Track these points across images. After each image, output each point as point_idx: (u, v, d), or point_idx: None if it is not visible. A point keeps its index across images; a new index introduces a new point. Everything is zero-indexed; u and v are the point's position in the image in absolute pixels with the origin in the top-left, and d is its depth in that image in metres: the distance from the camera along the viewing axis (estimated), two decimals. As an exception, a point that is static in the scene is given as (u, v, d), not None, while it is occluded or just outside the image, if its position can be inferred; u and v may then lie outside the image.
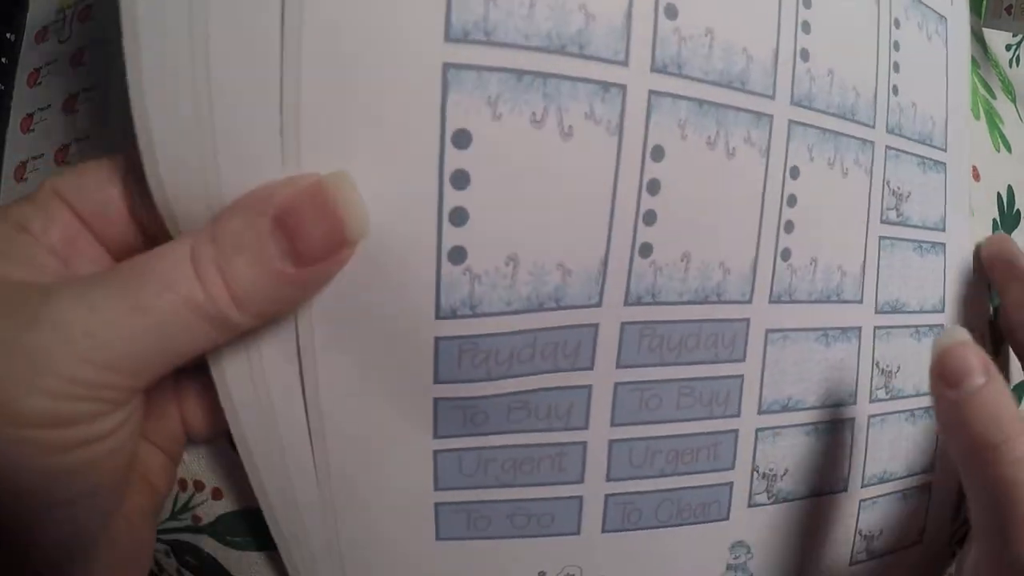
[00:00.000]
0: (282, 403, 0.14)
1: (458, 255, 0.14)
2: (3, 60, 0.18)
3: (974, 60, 0.23)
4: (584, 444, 0.17)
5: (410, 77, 0.13)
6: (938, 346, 0.15)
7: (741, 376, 0.18)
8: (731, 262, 0.16)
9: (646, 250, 0.15)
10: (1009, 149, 0.24)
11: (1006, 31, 0.25)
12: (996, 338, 0.23)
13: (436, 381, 0.15)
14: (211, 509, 0.17)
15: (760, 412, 0.18)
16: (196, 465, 0.17)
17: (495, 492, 0.16)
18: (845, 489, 0.20)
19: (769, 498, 0.19)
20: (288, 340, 0.14)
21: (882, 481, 0.20)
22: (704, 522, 0.18)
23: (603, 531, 0.18)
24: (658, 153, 0.15)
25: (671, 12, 0.14)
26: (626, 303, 0.16)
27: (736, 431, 0.18)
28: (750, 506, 0.19)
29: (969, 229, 0.21)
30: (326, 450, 0.15)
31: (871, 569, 0.21)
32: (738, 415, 0.18)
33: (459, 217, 0.13)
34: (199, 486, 0.17)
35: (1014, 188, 0.24)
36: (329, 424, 0.14)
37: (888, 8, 0.18)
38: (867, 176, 0.18)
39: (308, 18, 0.12)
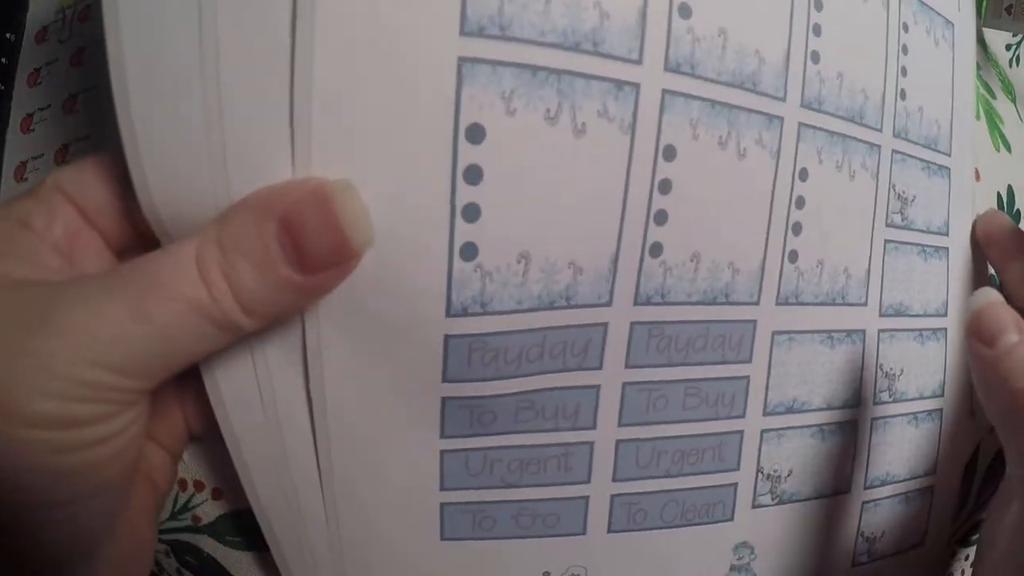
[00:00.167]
0: (286, 403, 0.14)
1: (470, 251, 0.14)
2: (3, 60, 0.18)
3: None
4: (591, 444, 0.17)
5: (424, 70, 0.13)
6: (973, 305, 0.16)
7: (747, 377, 0.18)
8: (740, 263, 0.16)
9: (656, 250, 0.15)
10: (1009, 149, 0.24)
11: (1006, 31, 0.26)
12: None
13: (444, 380, 0.15)
14: (211, 509, 0.17)
15: (765, 414, 0.18)
16: (196, 465, 0.16)
17: (501, 492, 0.16)
18: (848, 491, 0.20)
19: (773, 499, 0.19)
20: (294, 339, 0.14)
21: (884, 483, 0.21)
22: (708, 523, 0.18)
23: (609, 531, 0.17)
24: (670, 152, 0.15)
25: (685, 12, 0.14)
26: (636, 303, 0.15)
27: (741, 432, 0.18)
28: (754, 507, 0.19)
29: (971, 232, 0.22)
30: (330, 451, 0.14)
31: (873, 571, 0.21)
32: (743, 416, 0.18)
33: (471, 213, 0.13)
34: (199, 486, 0.17)
35: (1014, 188, 0.24)
36: (334, 425, 0.14)
37: (897, 12, 0.18)
38: (874, 180, 0.19)
39: (320, 9, 0.12)
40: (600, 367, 0.16)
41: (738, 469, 0.18)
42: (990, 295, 0.16)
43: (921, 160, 0.20)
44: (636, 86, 0.14)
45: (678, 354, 0.16)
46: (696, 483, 0.18)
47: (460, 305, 0.14)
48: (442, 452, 0.15)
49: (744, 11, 0.15)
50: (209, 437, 0.15)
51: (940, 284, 0.21)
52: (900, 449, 0.21)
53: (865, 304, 0.19)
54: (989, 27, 0.25)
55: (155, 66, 0.11)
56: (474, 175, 0.13)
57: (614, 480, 0.17)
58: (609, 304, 0.15)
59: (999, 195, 0.23)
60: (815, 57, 0.17)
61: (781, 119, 0.16)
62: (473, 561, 0.17)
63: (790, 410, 0.19)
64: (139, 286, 0.11)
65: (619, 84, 0.14)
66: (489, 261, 0.14)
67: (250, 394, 0.14)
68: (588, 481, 0.17)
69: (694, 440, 0.18)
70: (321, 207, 0.12)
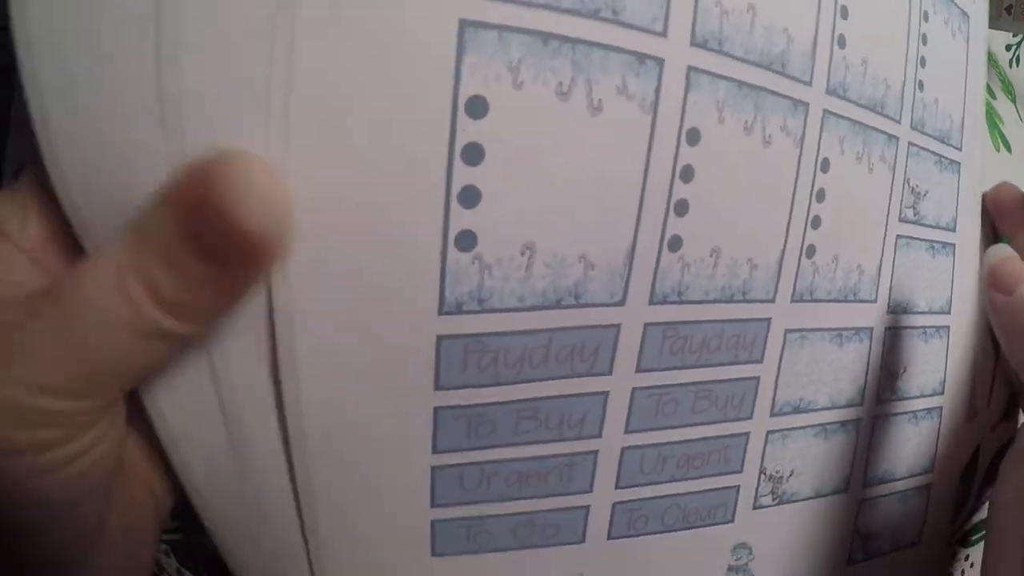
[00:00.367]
0: (252, 418, 0.12)
1: (467, 241, 0.12)
2: (3, 60, 0.15)
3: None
4: (595, 453, 0.15)
5: (421, 34, 0.11)
6: (990, 259, 0.18)
7: (757, 378, 0.17)
8: (759, 259, 0.15)
9: (675, 243, 0.14)
10: (1009, 149, 0.24)
11: (1006, 31, 0.26)
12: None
13: (437, 387, 0.13)
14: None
15: (772, 414, 0.18)
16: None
17: (498, 506, 0.15)
18: (847, 489, 0.20)
19: (774, 500, 0.19)
20: (261, 342, 0.12)
21: (882, 481, 0.20)
22: (709, 525, 0.18)
23: (608, 538, 0.17)
24: (694, 136, 0.13)
25: (713, -20, 0.13)
26: (651, 302, 0.14)
27: (748, 434, 0.17)
28: (755, 508, 0.18)
29: (977, 230, 0.21)
30: (307, 467, 0.13)
31: (870, 569, 0.21)
32: (751, 417, 0.17)
33: (470, 197, 0.12)
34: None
35: (1014, 188, 0.24)
36: (311, 439, 0.13)
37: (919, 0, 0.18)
38: (890, 172, 0.18)
39: None
40: (610, 372, 0.15)
41: (742, 471, 0.18)
42: (1004, 250, 0.17)
43: (934, 154, 0.19)
44: (660, 61, 0.13)
45: (691, 356, 0.15)
46: (699, 487, 0.17)
47: (454, 301, 0.12)
48: (433, 468, 0.14)
49: None
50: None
51: (946, 281, 0.20)
52: (899, 447, 0.20)
53: (875, 301, 0.19)
54: (989, 27, 0.25)
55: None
56: (474, 154, 0.12)
57: (617, 488, 0.16)
58: (622, 304, 0.14)
59: (999, 195, 0.23)
60: (842, 41, 0.15)
61: (807, 105, 0.15)
62: (467, 575, 0.15)
63: (796, 410, 0.18)
64: (65, 313, 0.10)
65: (641, 58, 0.13)
66: (489, 252, 0.12)
67: (212, 406, 0.12)
68: (590, 491, 0.16)
69: (700, 444, 0.17)
70: (208, 183, 0.09)
